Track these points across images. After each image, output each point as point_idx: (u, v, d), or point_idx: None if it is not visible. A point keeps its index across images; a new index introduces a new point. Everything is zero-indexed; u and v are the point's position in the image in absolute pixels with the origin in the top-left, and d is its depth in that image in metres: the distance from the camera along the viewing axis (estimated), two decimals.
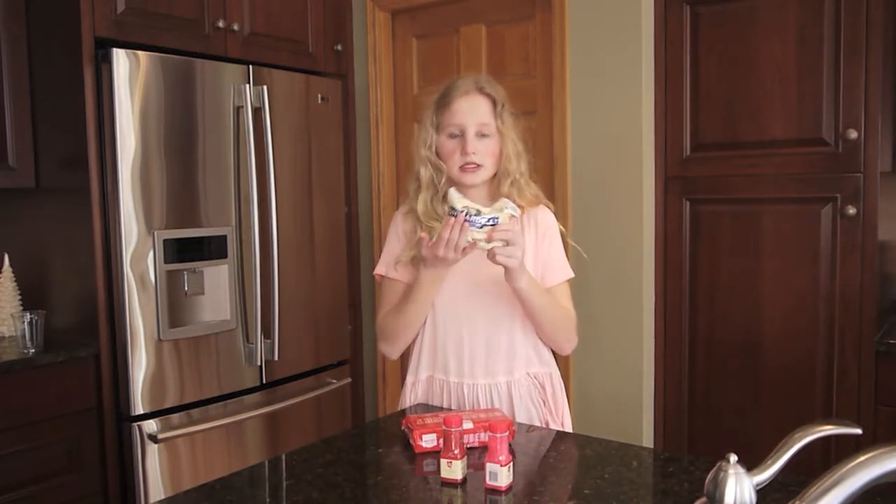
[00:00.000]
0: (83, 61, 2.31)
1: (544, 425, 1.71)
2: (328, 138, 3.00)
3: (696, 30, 2.47)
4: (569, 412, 1.78)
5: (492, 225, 1.50)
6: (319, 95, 2.94)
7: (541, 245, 1.71)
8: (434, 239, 1.54)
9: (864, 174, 2.22)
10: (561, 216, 2.66)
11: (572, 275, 1.73)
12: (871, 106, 2.20)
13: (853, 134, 2.21)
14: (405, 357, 1.81)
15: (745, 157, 2.40)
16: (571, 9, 2.62)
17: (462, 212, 1.49)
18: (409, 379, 1.77)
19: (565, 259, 1.74)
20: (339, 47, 3.12)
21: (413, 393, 1.76)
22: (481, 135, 1.66)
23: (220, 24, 2.64)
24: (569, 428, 1.77)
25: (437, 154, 1.69)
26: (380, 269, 1.77)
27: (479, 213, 1.50)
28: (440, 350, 1.71)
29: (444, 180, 1.69)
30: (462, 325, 1.69)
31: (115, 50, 2.32)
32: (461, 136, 1.65)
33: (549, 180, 2.74)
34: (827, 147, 2.27)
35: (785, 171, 2.34)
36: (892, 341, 2.22)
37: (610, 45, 2.55)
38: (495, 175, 1.70)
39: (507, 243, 1.50)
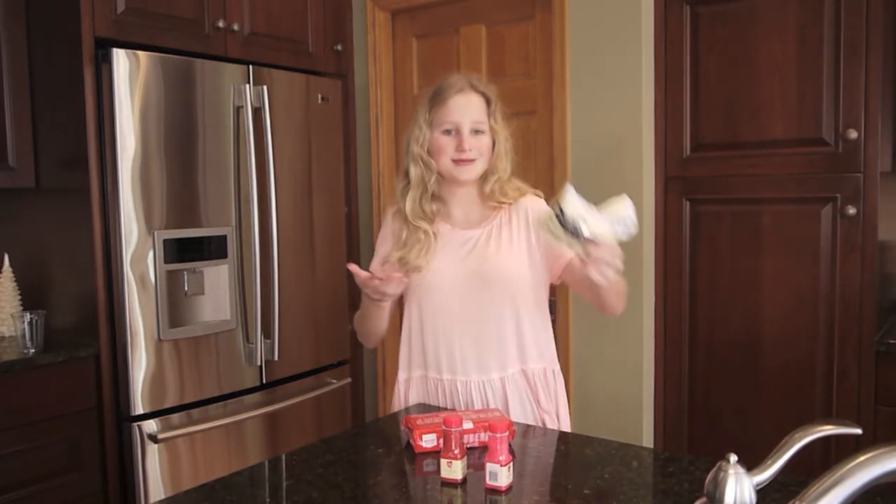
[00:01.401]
0: (83, 61, 2.31)
1: (541, 423, 1.71)
2: (328, 138, 3.00)
3: (696, 30, 2.47)
4: (567, 410, 1.78)
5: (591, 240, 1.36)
6: (319, 95, 2.94)
7: (536, 233, 1.68)
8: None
9: (864, 174, 2.22)
10: None
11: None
12: (871, 106, 2.20)
13: (853, 134, 2.21)
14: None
15: (745, 157, 2.40)
16: (571, 9, 2.62)
17: (563, 216, 1.34)
18: (402, 376, 1.77)
19: None
20: (339, 47, 3.12)
21: (406, 389, 1.76)
22: (475, 132, 1.66)
23: (220, 24, 2.64)
24: (566, 425, 1.76)
25: (428, 151, 1.69)
26: (371, 266, 1.78)
27: (584, 219, 1.34)
28: (431, 348, 1.71)
29: (433, 179, 1.69)
30: (452, 322, 1.69)
31: (115, 50, 2.32)
32: (456, 132, 1.66)
33: (549, 180, 2.74)
34: (827, 147, 2.27)
35: (785, 171, 2.34)
36: (892, 341, 2.22)
37: (610, 45, 2.55)
38: (484, 174, 1.71)
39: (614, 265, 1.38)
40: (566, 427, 1.76)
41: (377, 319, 1.70)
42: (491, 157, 1.69)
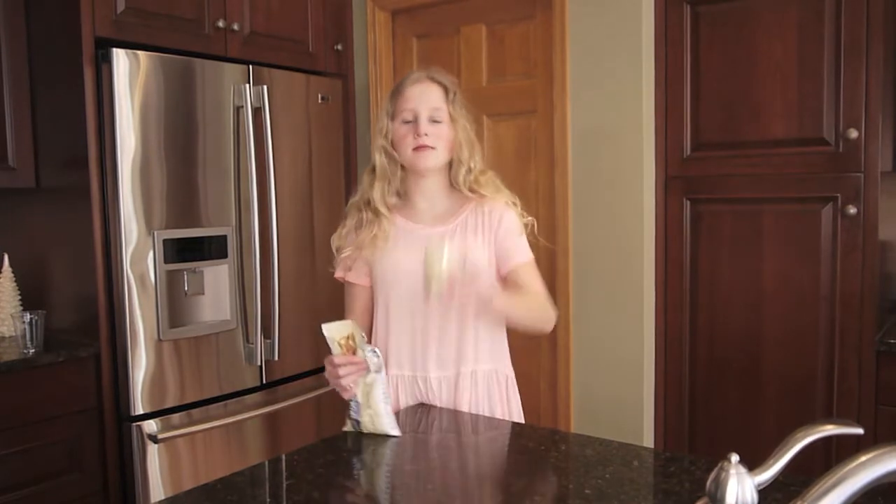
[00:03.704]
0: (83, 61, 2.31)
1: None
2: (328, 138, 3.00)
3: (696, 29, 2.47)
4: (522, 417, 1.80)
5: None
6: (320, 95, 2.94)
7: (496, 234, 1.71)
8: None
9: (865, 174, 2.22)
10: (561, 216, 2.68)
11: (532, 256, 1.74)
12: (872, 105, 2.20)
13: (854, 133, 2.20)
14: None
15: (746, 157, 2.40)
16: (571, 9, 2.62)
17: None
18: None
19: (525, 244, 1.74)
20: (340, 47, 3.12)
21: None
22: (433, 120, 1.69)
23: (221, 23, 2.64)
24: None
25: (392, 142, 1.72)
26: (338, 273, 1.81)
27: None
28: (394, 343, 1.73)
29: (398, 171, 1.73)
30: (416, 317, 1.70)
31: (115, 50, 2.32)
32: (414, 121, 1.69)
33: (549, 180, 2.74)
34: (827, 146, 2.27)
35: (785, 170, 2.34)
36: (892, 341, 2.21)
37: (610, 44, 2.55)
38: (451, 165, 1.73)
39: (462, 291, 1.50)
40: None
41: None
42: (453, 147, 1.71)
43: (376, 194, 1.72)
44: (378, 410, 1.49)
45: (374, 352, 1.50)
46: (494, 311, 1.59)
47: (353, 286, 1.79)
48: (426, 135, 1.66)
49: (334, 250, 1.80)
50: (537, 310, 1.70)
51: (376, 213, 1.72)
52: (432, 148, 1.67)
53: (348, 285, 1.80)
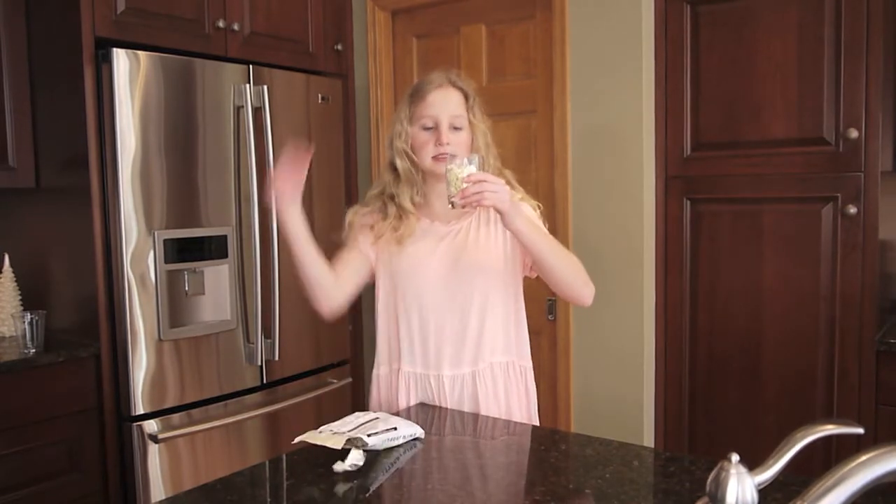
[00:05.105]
0: (83, 61, 2.31)
1: (508, 416, 1.71)
2: (328, 138, 3.00)
3: (696, 29, 2.47)
4: (537, 410, 1.79)
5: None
6: (320, 95, 2.94)
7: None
8: None
9: (865, 173, 2.22)
10: (561, 216, 2.68)
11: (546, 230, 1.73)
12: (872, 105, 2.20)
13: (854, 133, 2.21)
14: None
15: (746, 157, 2.40)
16: (571, 8, 2.62)
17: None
18: (382, 370, 1.78)
19: (545, 230, 1.73)
20: (340, 47, 3.12)
21: (385, 385, 1.76)
22: (454, 127, 1.69)
23: (221, 23, 2.64)
24: (535, 421, 1.78)
25: (411, 147, 1.72)
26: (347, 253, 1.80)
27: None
28: (406, 340, 1.72)
29: (419, 174, 1.72)
30: (429, 313, 1.70)
31: (115, 50, 2.32)
32: (435, 128, 1.68)
33: (549, 180, 2.74)
34: (828, 146, 2.27)
35: (785, 170, 2.34)
36: (892, 341, 2.21)
37: (610, 44, 2.55)
38: None
39: (486, 186, 1.48)
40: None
41: (298, 257, 1.70)
42: (472, 152, 1.71)
43: (405, 197, 1.72)
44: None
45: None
46: (515, 226, 1.52)
47: (352, 250, 1.77)
48: (448, 143, 1.66)
49: (346, 223, 1.80)
50: (567, 257, 1.63)
51: (404, 211, 1.72)
52: (452, 156, 1.66)
53: (348, 249, 1.79)
